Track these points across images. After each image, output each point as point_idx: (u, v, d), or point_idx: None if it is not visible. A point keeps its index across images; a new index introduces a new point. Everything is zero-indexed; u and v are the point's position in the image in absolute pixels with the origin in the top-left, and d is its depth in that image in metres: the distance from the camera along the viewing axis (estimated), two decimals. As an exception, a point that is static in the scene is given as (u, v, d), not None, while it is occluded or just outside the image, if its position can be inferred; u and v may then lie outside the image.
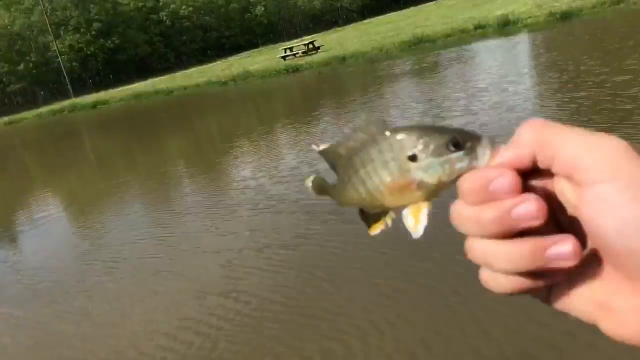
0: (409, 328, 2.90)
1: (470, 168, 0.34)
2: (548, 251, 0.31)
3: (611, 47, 9.84)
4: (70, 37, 61.66)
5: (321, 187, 0.44)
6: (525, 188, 0.33)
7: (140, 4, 66.94)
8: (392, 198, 0.38)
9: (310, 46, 27.91)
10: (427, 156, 0.35)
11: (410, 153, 0.36)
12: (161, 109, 23.88)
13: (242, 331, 3.29)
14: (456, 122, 6.86)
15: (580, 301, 0.33)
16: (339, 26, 67.89)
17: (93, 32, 61.93)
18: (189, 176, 8.74)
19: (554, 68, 9.26)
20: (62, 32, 61.68)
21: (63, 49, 61.19)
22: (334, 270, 3.79)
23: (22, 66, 59.06)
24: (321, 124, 10.12)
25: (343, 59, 21.88)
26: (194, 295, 3.96)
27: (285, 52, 28.21)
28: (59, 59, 60.07)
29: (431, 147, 0.35)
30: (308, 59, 24.92)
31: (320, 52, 26.81)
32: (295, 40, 41.48)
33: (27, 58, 59.84)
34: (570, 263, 0.31)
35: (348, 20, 77.47)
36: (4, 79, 59.41)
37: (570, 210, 0.33)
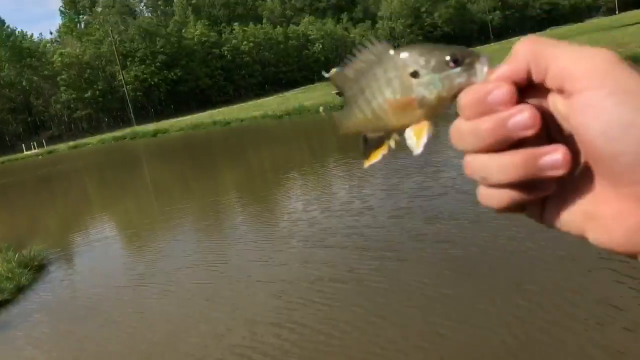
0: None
1: (468, 83, 0.36)
2: (540, 160, 0.33)
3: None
4: (136, 67, 64.72)
5: (341, 83, 0.43)
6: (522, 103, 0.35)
7: (203, 39, 69.83)
8: (395, 117, 0.39)
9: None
10: (428, 72, 0.37)
11: (411, 70, 0.37)
12: (218, 139, 24.52)
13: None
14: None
15: (570, 214, 0.35)
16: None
17: (157, 64, 64.77)
18: (242, 205, 8.88)
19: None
20: (128, 63, 64.86)
21: (128, 79, 64.25)
22: (388, 308, 3.75)
23: (89, 94, 62.18)
24: (375, 160, 10.12)
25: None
26: (246, 323, 3.99)
27: (341, 89, 28.55)
28: (124, 88, 63.06)
29: (432, 63, 0.37)
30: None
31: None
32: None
33: (95, 86, 62.99)
34: (560, 171, 0.33)
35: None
36: (72, 105, 62.64)
37: (563, 124, 0.34)
